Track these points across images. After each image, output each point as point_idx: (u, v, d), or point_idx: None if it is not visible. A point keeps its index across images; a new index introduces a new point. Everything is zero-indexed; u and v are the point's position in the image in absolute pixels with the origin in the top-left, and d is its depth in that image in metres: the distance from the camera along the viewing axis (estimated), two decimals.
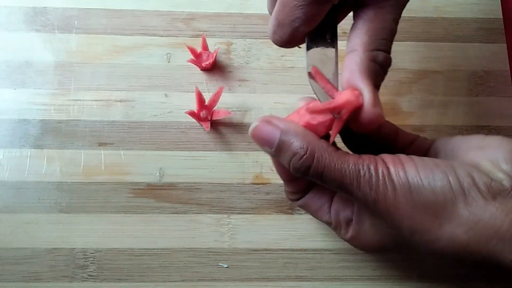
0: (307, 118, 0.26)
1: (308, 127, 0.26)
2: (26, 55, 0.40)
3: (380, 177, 0.24)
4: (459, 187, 0.23)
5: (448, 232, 0.23)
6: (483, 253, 0.23)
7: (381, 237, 0.27)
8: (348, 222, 0.29)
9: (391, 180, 0.24)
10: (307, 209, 0.31)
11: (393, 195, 0.24)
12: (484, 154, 0.25)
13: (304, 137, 0.25)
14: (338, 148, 0.26)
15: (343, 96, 0.24)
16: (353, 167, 0.24)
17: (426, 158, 0.25)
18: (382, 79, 0.26)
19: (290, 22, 0.25)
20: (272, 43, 0.27)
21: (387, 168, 0.24)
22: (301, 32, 0.26)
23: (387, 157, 0.25)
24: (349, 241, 0.30)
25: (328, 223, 0.30)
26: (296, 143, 0.25)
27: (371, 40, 0.25)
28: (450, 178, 0.23)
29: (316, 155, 0.25)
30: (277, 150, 0.26)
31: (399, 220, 0.24)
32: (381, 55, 0.26)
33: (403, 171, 0.24)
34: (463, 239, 0.23)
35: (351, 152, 0.27)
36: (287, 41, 0.26)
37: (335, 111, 0.25)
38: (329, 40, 0.27)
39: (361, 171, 0.24)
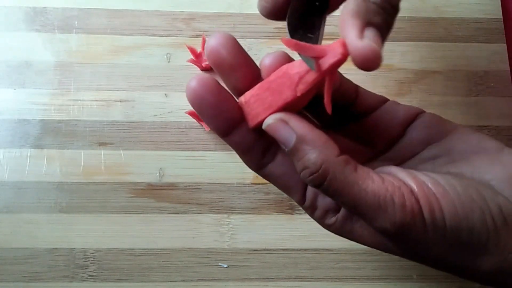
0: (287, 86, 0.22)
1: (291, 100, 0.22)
2: (26, 55, 0.40)
3: (408, 215, 0.20)
4: (493, 224, 0.21)
5: (477, 266, 0.21)
6: None
7: (376, 244, 0.24)
8: (328, 210, 0.24)
9: (423, 218, 0.20)
10: (273, 181, 0.25)
11: (422, 234, 0.21)
12: (486, 164, 0.23)
13: (321, 151, 0.21)
14: (356, 164, 0.22)
15: (327, 48, 0.21)
16: (372, 197, 0.21)
17: (458, 187, 0.21)
18: (386, 21, 0.22)
19: None
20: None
21: (418, 203, 0.21)
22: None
23: (414, 184, 0.21)
24: (324, 225, 0.25)
25: (298, 203, 0.25)
26: (310, 156, 0.21)
27: None
28: (487, 218, 0.21)
29: (329, 177, 0.21)
30: (290, 153, 0.22)
31: (422, 252, 0.22)
32: None
33: (440, 212, 0.21)
34: (494, 269, 0.21)
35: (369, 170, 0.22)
36: (270, 9, 0.24)
37: (319, 56, 0.21)
38: (311, 36, 0.23)
39: (382, 203, 0.20)
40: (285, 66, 0.22)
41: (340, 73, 0.25)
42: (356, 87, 0.26)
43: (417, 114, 0.26)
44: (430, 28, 0.42)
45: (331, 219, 0.24)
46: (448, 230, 0.21)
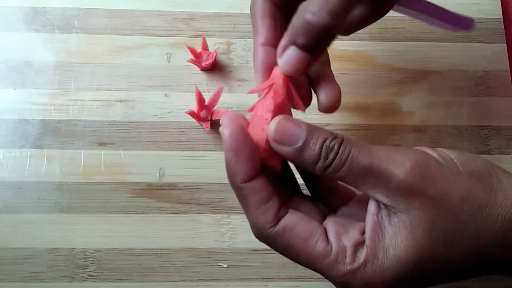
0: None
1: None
2: (26, 55, 0.40)
3: (420, 153, 0.23)
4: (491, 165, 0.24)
5: (498, 194, 0.23)
6: None
7: (410, 242, 0.22)
8: (357, 245, 0.23)
9: (432, 155, 0.23)
10: (289, 236, 0.23)
11: (438, 165, 0.23)
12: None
13: (327, 130, 0.24)
14: None
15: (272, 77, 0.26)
16: (383, 147, 0.23)
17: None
18: (312, 42, 0.25)
19: None
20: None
21: (423, 149, 0.24)
22: None
23: (418, 147, 0.25)
24: (357, 272, 0.22)
25: (323, 255, 0.23)
26: (324, 132, 0.23)
27: (308, 2, 0.24)
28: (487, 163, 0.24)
29: (344, 137, 0.23)
30: (305, 143, 0.23)
31: (448, 192, 0.22)
32: (309, 15, 0.24)
33: (443, 151, 0.24)
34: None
35: None
36: None
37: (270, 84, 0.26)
38: None
39: (393, 148, 0.23)
40: (255, 108, 0.26)
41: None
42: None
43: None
44: (430, 28, 0.42)
45: (363, 251, 0.23)
46: (457, 161, 0.23)
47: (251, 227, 0.24)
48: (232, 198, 0.38)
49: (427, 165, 0.23)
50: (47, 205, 0.37)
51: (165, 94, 0.40)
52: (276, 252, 0.37)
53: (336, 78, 0.40)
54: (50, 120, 0.39)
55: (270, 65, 0.27)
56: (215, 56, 0.39)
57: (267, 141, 0.24)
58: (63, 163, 0.38)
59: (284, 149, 0.23)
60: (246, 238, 0.37)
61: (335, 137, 0.23)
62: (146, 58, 0.40)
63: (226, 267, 0.36)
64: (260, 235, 0.24)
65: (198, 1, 0.42)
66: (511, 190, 0.23)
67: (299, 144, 0.23)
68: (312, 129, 0.23)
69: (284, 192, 0.26)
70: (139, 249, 0.37)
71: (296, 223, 0.23)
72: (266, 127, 0.24)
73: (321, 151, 0.23)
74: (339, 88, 0.29)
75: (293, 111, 0.27)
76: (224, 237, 0.37)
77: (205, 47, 0.40)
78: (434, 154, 0.24)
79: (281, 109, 0.25)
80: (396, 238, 0.22)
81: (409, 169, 0.22)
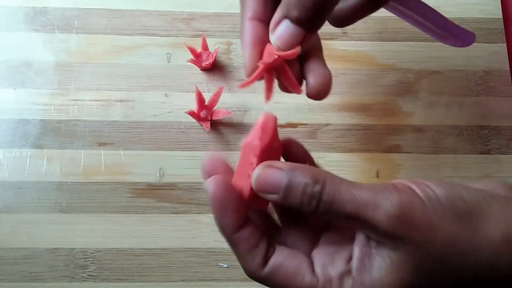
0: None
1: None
2: (26, 55, 0.40)
3: (404, 195, 0.22)
4: (478, 193, 0.23)
5: (482, 236, 0.22)
6: None
7: (396, 277, 0.23)
8: (342, 275, 0.24)
9: (417, 195, 0.22)
10: (278, 275, 0.24)
11: (422, 208, 0.22)
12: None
13: (311, 169, 0.23)
14: None
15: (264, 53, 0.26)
16: (368, 189, 0.22)
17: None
18: (306, 14, 0.24)
19: None
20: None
21: (409, 186, 0.23)
22: None
23: (401, 180, 0.23)
24: None
25: (312, 285, 0.24)
26: (306, 176, 0.23)
27: None
28: (469, 190, 0.23)
29: (327, 181, 0.22)
30: (286, 191, 0.23)
31: (433, 235, 0.22)
32: None
33: (429, 187, 0.23)
34: (498, 239, 0.22)
35: None
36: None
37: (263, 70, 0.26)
38: None
39: (379, 189, 0.22)
40: (245, 142, 0.25)
41: None
42: None
43: None
44: None
45: (349, 281, 0.23)
46: (443, 201, 0.22)
47: (243, 269, 0.25)
48: None
49: (411, 210, 0.22)
50: (47, 205, 0.37)
51: (165, 94, 0.40)
52: None
53: (336, 78, 0.40)
54: (50, 120, 0.39)
55: (258, 41, 0.26)
56: (215, 56, 0.39)
57: (251, 187, 0.24)
58: (63, 163, 0.38)
59: (269, 197, 0.24)
60: None
61: (316, 181, 0.22)
62: (146, 58, 0.40)
63: (226, 267, 0.36)
64: (252, 277, 0.25)
65: (198, 1, 0.42)
66: (500, 225, 0.22)
67: (281, 194, 0.23)
68: (293, 174, 0.23)
69: (272, 225, 0.27)
70: (139, 249, 0.37)
71: (283, 261, 0.24)
72: (251, 173, 0.24)
73: (303, 199, 0.23)
74: (330, 73, 0.28)
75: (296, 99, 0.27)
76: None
77: (205, 47, 0.40)
78: (420, 193, 0.22)
79: (269, 150, 0.24)
80: (382, 271, 0.23)
81: (394, 218, 0.22)
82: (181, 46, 0.41)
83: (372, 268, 0.23)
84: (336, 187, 0.22)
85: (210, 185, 0.23)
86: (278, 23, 0.25)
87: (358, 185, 0.23)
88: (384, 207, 0.22)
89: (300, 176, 0.23)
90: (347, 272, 0.24)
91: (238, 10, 0.43)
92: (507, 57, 0.42)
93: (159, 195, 0.37)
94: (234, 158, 0.38)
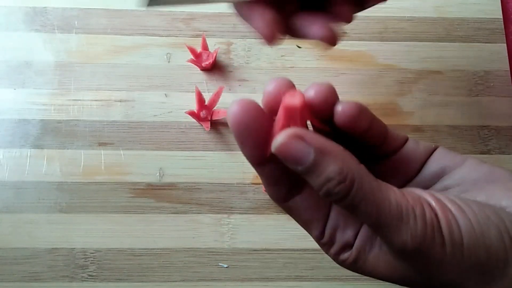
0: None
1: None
2: (26, 55, 0.40)
3: (428, 228, 0.20)
4: (511, 243, 0.21)
5: None
6: None
7: (391, 273, 0.23)
8: (346, 246, 0.24)
9: (441, 233, 0.20)
10: (295, 215, 0.24)
11: (440, 250, 0.20)
12: (501, 191, 0.23)
13: (344, 160, 0.21)
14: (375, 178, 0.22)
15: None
16: (395, 206, 0.20)
17: (474, 206, 0.22)
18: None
19: None
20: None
21: (436, 217, 0.21)
22: None
23: (432, 199, 0.21)
24: (338, 261, 0.24)
25: (316, 239, 0.24)
26: (333, 167, 0.20)
27: None
28: (504, 236, 0.21)
29: (355, 184, 0.20)
30: (308, 171, 0.21)
31: (439, 274, 0.21)
32: None
33: (457, 225, 0.21)
34: None
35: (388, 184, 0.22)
36: None
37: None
38: None
39: (404, 214, 0.20)
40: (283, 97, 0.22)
41: (373, 115, 0.25)
42: (386, 128, 0.26)
43: (433, 150, 0.26)
44: (430, 28, 0.42)
45: (346, 254, 0.24)
46: (465, 248, 0.21)
47: (266, 191, 0.25)
48: (232, 198, 0.38)
49: (429, 248, 0.20)
50: (47, 205, 0.37)
51: (165, 94, 0.40)
52: (276, 252, 0.37)
53: (336, 78, 0.40)
54: (50, 120, 0.39)
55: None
56: (215, 56, 0.39)
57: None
58: (63, 163, 0.38)
59: (293, 167, 0.21)
60: (246, 238, 0.37)
61: (343, 179, 0.20)
62: (146, 58, 0.40)
63: (226, 267, 0.36)
64: (275, 203, 0.25)
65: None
66: None
67: (300, 169, 0.21)
68: (321, 157, 0.20)
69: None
70: (139, 249, 0.37)
71: (300, 208, 0.24)
72: (276, 131, 0.21)
73: (322, 187, 0.21)
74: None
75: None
76: (224, 237, 0.37)
77: (205, 47, 0.40)
78: (445, 229, 0.21)
79: (298, 114, 0.21)
80: (378, 261, 0.23)
81: (409, 248, 0.21)
82: (181, 46, 0.41)
83: (370, 254, 0.23)
84: (363, 194, 0.20)
85: (235, 107, 0.21)
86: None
87: (387, 195, 0.21)
88: (403, 237, 0.20)
89: (327, 163, 0.20)
90: (349, 245, 0.23)
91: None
92: (507, 57, 0.42)
93: (159, 195, 0.37)
94: (234, 158, 0.38)
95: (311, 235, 0.24)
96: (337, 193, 0.20)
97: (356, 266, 0.24)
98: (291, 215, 0.25)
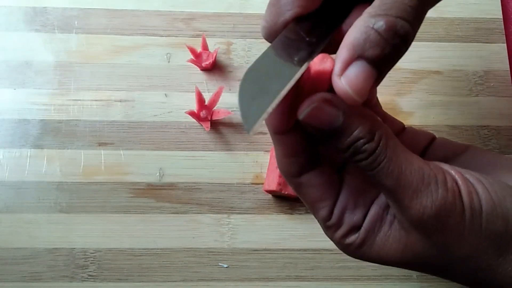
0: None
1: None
2: (26, 55, 0.40)
3: (449, 193, 0.20)
4: None
5: (506, 268, 0.21)
6: None
7: (401, 252, 0.22)
8: (353, 228, 0.23)
9: (461, 200, 0.20)
10: (304, 193, 0.24)
11: (459, 218, 0.20)
12: (508, 174, 0.23)
13: (372, 120, 0.21)
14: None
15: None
16: (417, 169, 0.20)
17: (490, 179, 0.22)
18: (386, 54, 0.21)
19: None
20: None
21: (457, 184, 0.21)
22: (287, 15, 0.21)
23: (452, 170, 0.21)
24: (344, 245, 0.24)
25: (323, 220, 0.24)
26: (362, 127, 0.20)
27: (375, 5, 0.20)
28: None
29: (382, 142, 0.20)
30: (336, 133, 0.21)
31: (456, 245, 0.21)
32: (381, 21, 0.19)
33: (476, 194, 0.21)
34: None
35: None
36: (270, 30, 0.22)
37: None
38: (304, 52, 0.21)
39: (426, 177, 0.20)
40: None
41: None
42: (384, 113, 0.26)
43: (432, 138, 0.27)
44: (430, 28, 0.42)
45: (352, 237, 0.23)
46: (484, 217, 0.21)
47: (278, 164, 0.24)
48: (232, 198, 0.38)
49: (449, 216, 0.20)
50: (47, 205, 0.37)
51: (165, 94, 0.40)
52: (276, 252, 0.37)
53: None
54: (50, 120, 0.39)
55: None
56: (215, 56, 0.39)
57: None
58: (63, 163, 0.38)
59: (320, 132, 0.21)
60: (246, 238, 0.37)
61: (372, 138, 0.20)
62: (146, 58, 0.40)
63: (226, 267, 0.36)
64: (285, 178, 0.24)
65: (198, 1, 0.42)
66: None
67: (327, 134, 0.21)
68: (350, 119, 0.20)
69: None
70: (139, 249, 0.37)
71: (312, 185, 0.23)
72: (304, 96, 0.21)
73: (349, 149, 0.21)
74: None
75: None
76: (224, 237, 0.37)
77: (205, 47, 0.40)
78: (466, 200, 0.21)
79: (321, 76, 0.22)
80: (387, 241, 0.23)
81: (427, 216, 0.20)
82: (181, 46, 0.41)
83: (379, 234, 0.23)
84: (388, 153, 0.20)
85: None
86: (348, 64, 0.20)
87: (410, 158, 0.21)
88: (423, 201, 0.20)
89: (357, 124, 0.20)
90: (357, 227, 0.23)
91: (238, 10, 0.43)
92: (507, 57, 0.42)
93: (159, 195, 0.38)
94: (234, 158, 0.38)
95: (317, 217, 0.24)
96: (364, 151, 0.20)
97: (361, 251, 0.23)
98: (299, 194, 0.24)
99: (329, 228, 0.24)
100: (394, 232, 0.22)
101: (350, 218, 0.23)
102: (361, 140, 0.20)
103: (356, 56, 0.20)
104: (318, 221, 0.24)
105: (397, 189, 0.21)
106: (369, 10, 0.20)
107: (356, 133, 0.20)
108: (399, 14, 0.20)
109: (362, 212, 0.23)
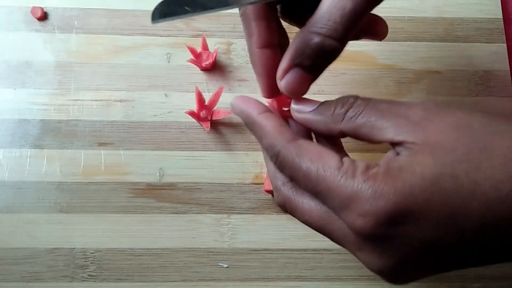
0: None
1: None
2: (26, 55, 0.40)
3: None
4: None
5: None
6: None
7: (429, 162, 0.21)
8: (368, 166, 0.22)
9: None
10: (306, 151, 0.24)
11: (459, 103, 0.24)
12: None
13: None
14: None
15: None
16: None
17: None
18: (316, 64, 0.25)
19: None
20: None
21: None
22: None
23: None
24: (366, 182, 0.21)
25: (336, 166, 0.22)
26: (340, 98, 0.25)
27: (314, 21, 0.24)
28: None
29: (360, 96, 0.25)
30: (319, 106, 0.26)
31: (472, 117, 0.21)
32: (314, 39, 0.24)
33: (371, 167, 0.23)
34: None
35: None
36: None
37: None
38: None
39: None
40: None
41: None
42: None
43: None
44: (430, 28, 0.42)
45: (374, 169, 0.22)
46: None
47: (268, 147, 0.25)
48: (232, 198, 0.38)
49: (439, 102, 0.23)
50: (47, 205, 0.37)
51: (165, 94, 0.40)
52: (276, 252, 0.37)
53: (336, 78, 0.40)
54: (50, 120, 0.39)
55: (271, 69, 0.27)
56: (215, 56, 0.39)
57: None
58: (63, 163, 0.38)
59: (303, 115, 0.26)
60: (246, 238, 0.37)
61: (349, 96, 0.24)
62: (146, 58, 0.40)
63: (226, 267, 0.36)
64: (277, 151, 0.24)
65: None
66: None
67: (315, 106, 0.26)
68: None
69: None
70: (139, 249, 0.37)
71: (312, 144, 0.24)
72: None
73: (337, 105, 0.24)
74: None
75: None
76: (224, 237, 0.37)
77: (205, 47, 0.40)
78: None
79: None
80: (412, 160, 0.21)
81: (425, 104, 0.22)
82: (181, 46, 0.41)
83: (401, 159, 0.21)
84: (370, 98, 0.24)
85: (234, 98, 0.27)
86: (287, 71, 0.25)
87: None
88: (416, 104, 0.23)
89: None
90: (374, 165, 0.22)
91: (238, 10, 0.43)
92: (507, 57, 0.42)
93: (159, 195, 0.38)
94: (234, 158, 0.38)
95: (326, 170, 0.22)
96: (351, 101, 0.24)
97: (392, 175, 0.21)
98: (302, 157, 0.24)
99: (345, 174, 0.22)
100: (417, 151, 0.21)
101: (363, 162, 0.23)
102: (344, 98, 0.25)
103: (293, 65, 0.25)
104: (327, 183, 0.22)
105: (391, 107, 0.23)
106: (308, 24, 0.24)
107: (337, 100, 0.25)
108: (329, 33, 0.24)
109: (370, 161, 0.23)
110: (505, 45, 0.42)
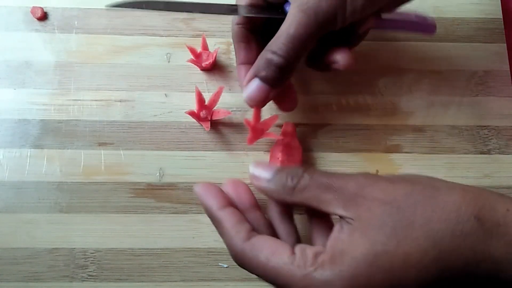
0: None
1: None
2: (26, 55, 0.40)
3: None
4: None
5: (444, 188, 0.25)
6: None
7: (364, 244, 0.24)
8: (319, 254, 0.25)
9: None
10: (261, 248, 0.26)
11: (382, 176, 0.27)
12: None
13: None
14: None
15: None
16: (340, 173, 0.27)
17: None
18: (271, 75, 0.31)
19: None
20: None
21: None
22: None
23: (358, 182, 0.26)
24: (316, 272, 0.24)
25: (290, 262, 0.25)
26: (289, 168, 0.28)
27: (270, 42, 0.31)
28: None
29: (305, 167, 0.28)
30: (272, 177, 0.28)
31: (393, 191, 0.25)
32: (267, 55, 0.31)
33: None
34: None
35: None
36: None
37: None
38: None
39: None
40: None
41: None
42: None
43: None
44: None
45: (322, 257, 0.25)
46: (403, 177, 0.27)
47: (227, 246, 0.28)
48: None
49: (371, 175, 0.26)
50: (47, 205, 0.37)
51: (165, 94, 0.40)
52: None
53: (336, 78, 0.40)
54: (50, 120, 0.39)
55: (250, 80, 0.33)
56: (215, 56, 0.39)
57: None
58: (63, 163, 0.38)
59: (260, 183, 0.29)
60: None
61: (298, 169, 0.27)
62: (146, 58, 0.40)
63: (226, 267, 0.36)
64: (235, 253, 0.27)
65: (198, 1, 0.42)
66: (454, 190, 0.25)
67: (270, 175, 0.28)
68: (280, 168, 0.29)
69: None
70: (139, 249, 0.37)
71: (266, 240, 0.27)
72: (277, 162, 0.37)
73: (287, 177, 0.27)
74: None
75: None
76: None
77: (205, 47, 0.40)
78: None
79: (289, 147, 0.37)
80: (351, 241, 0.24)
81: (358, 179, 0.26)
82: (181, 46, 0.41)
83: (343, 243, 0.25)
84: (314, 169, 0.28)
85: (197, 185, 0.30)
86: (249, 80, 0.32)
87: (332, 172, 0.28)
88: (351, 176, 0.26)
89: (284, 168, 0.29)
90: (322, 251, 0.25)
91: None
92: (507, 57, 0.42)
93: (159, 195, 0.38)
94: (234, 158, 0.38)
95: (281, 267, 0.25)
96: (298, 174, 0.28)
97: (336, 261, 0.24)
98: (257, 253, 0.26)
99: (299, 266, 0.25)
100: (354, 233, 0.25)
101: (312, 250, 0.26)
102: (292, 170, 0.28)
103: (254, 76, 0.32)
104: (283, 276, 0.25)
105: (332, 180, 0.26)
106: (267, 45, 0.31)
107: (286, 170, 0.28)
108: (275, 50, 0.31)
109: (320, 244, 0.27)
110: (505, 45, 0.42)
